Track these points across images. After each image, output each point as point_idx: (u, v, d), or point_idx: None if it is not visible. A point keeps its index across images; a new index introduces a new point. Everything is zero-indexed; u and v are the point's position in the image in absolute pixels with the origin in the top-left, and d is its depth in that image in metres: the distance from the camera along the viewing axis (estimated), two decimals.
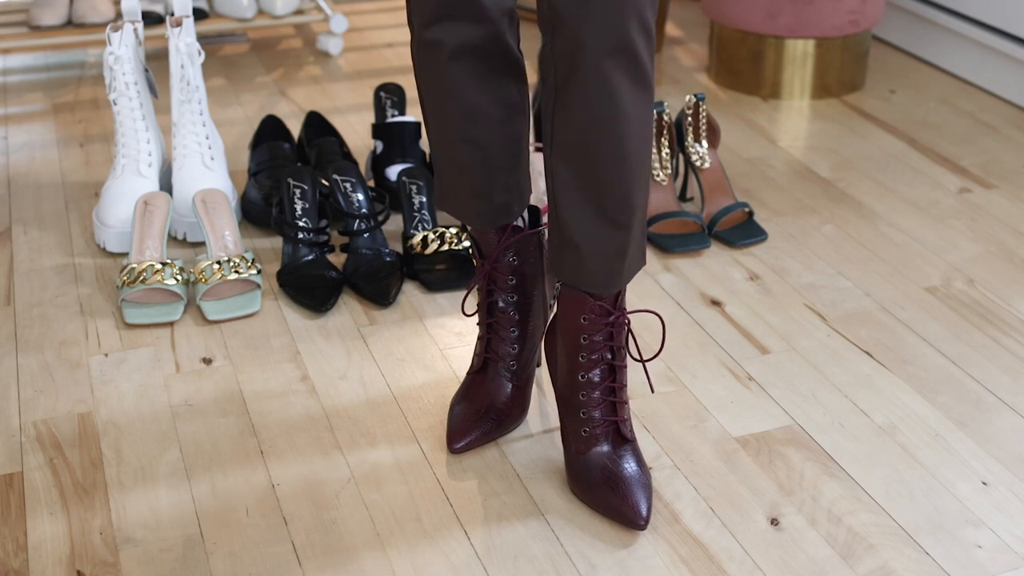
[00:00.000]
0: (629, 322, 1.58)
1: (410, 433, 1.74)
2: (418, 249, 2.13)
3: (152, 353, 1.93)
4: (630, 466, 1.57)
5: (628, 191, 1.50)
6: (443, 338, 1.97)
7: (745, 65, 2.95)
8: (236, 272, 2.03)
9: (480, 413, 1.70)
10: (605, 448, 1.58)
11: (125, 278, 2.02)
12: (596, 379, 1.57)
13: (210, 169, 2.27)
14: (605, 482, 1.56)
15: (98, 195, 2.44)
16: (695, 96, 2.31)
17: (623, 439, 1.59)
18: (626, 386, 1.59)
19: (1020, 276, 2.14)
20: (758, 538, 1.54)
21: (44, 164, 2.61)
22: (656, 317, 2.01)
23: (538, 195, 2.19)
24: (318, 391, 1.84)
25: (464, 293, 2.05)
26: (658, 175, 2.28)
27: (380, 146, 2.41)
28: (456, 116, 1.60)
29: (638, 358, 1.59)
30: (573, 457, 1.60)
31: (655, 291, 2.10)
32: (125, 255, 2.21)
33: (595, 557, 1.51)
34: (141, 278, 2.01)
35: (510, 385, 1.71)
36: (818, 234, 2.29)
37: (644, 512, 1.53)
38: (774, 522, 1.56)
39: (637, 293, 2.07)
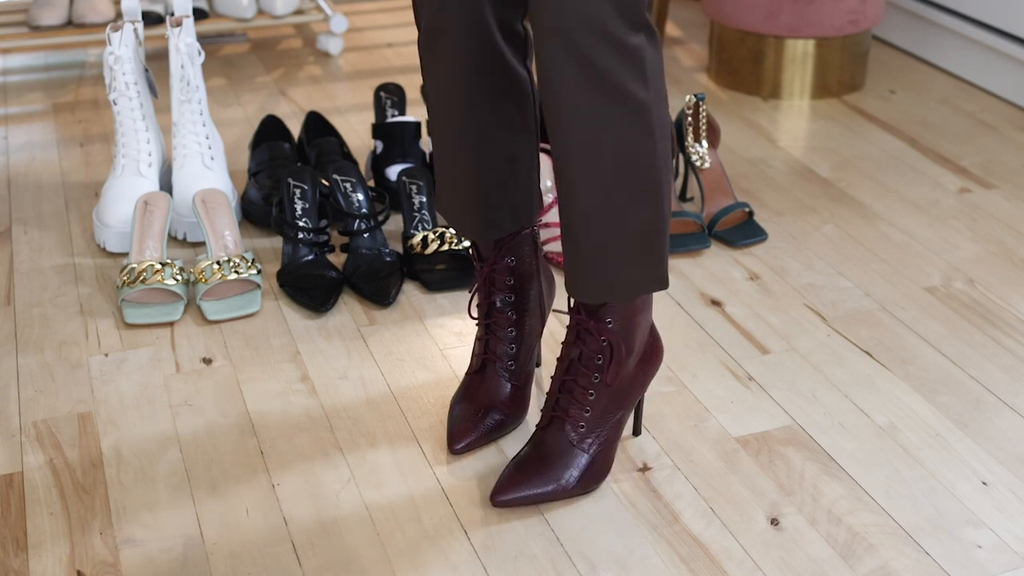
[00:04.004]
0: (605, 337, 1.56)
1: (410, 433, 1.74)
2: (418, 249, 2.13)
3: (152, 353, 1.93)
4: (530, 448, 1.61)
5: (594, 211, 1.48)
6: (443, 338, 1.97)
7: (745, 65, 2.95)
8: (236, 272, 2.03)
9: (480, 413, 1.70)
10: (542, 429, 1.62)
11: (125, 278, 2.02)
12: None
13: (210, 169, 2.27)
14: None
15: (98, 195, 2.44)
16: (695, 96, 2.31)
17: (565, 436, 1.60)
18: (588, 392, 1.59)
19: (1020, 276, 2.14)
20: (758, 538, 1.54)
21: (44, 164, 2.62)
22: (658, 316, 2.01)
23: (544, 192, 2.19)
24: (318, 391, 1.84)
25: (468, 296, 2.06)
26: None
27: (380, 146, 2.41)
28: (451, 126, 1.60)
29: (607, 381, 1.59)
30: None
31: None
32: (125, 255, 2.21)
33: (595, 557, 1.51)
34: (141, 278, 2.01)
35: (509, 385, 1.72)
36: (818, 234, 2.29)
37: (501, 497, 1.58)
38: (774, 522, 1.56)
39: None
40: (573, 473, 1.58)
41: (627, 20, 1.38)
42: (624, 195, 1.47)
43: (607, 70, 1.39)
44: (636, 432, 1.72)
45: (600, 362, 1.57)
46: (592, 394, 1.58)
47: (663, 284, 1.55)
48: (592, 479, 1.60)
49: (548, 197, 2.20)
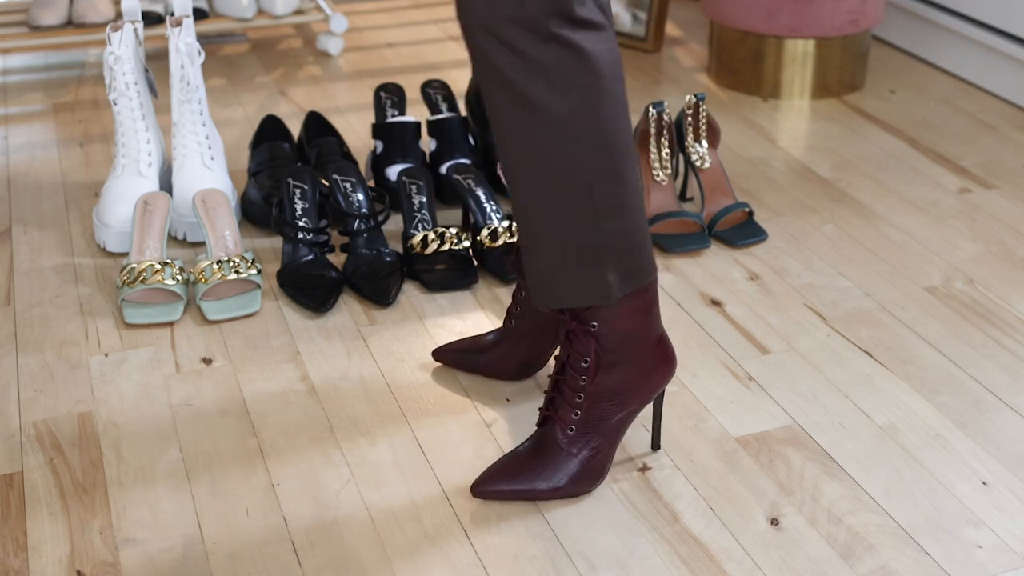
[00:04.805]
0: (589, 340, 1.55)
1: (410, 433, 1.74)
2: (418, 249, 2.13)
3: (152, 353, 1.93)
4: (522, 447, 1.61)
5: (522, 215, 1.49)
6: (443, 338, 1.97)
7: (745, 65, 2.95)
8: (236, 272, 2.03)
9: (471, 347, 1.85)
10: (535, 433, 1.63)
11: (125, 278, 2.02)
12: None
13: (210, 169, 2.27)
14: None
15: (98, 195, 2.44)
16: (695, 96, 2.31)
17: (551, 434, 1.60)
18: (576, 393, 1.58)
19: (1020, 276, 2.14)
20: (758, 538, 1.54)
21: (44, 164, 2.61)
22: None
23: None
24: (318, 391, 1.84)
25: (470, 295, 2.06)
26: (658, 175, 2.28)
27: (380, 146, 2.41)
28: None
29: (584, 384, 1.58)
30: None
31: None
32: (125, 255, 2.21)
33: (595, 557, 1.50)
34: (141, 278, 2.01)
35: (500, 338, 1.82)
36: (818, 234, 2.29)
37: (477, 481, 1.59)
38: (774, 522, 1.56)
39: None
40: (559, 475, 1.57)
41: (529, 32, 1.37)
42: (551, 207, 1.47)
43: (515, 81, 1.40)
44: (655, 447, 1.69)
45: (585, 365, 1.55)
46: (580, 397, 1.57)
47: (606, 299, 1.51)
48: (580, 484, 1.58)
49: None
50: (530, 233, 1.51)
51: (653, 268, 1.55)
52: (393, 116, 2.51)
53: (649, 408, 1.79)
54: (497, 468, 1.60)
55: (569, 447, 1.58)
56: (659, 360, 1.60)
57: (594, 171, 1.45)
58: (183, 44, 2.22)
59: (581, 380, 1.56)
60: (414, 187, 2.21)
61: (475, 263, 2.14)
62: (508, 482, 1.58)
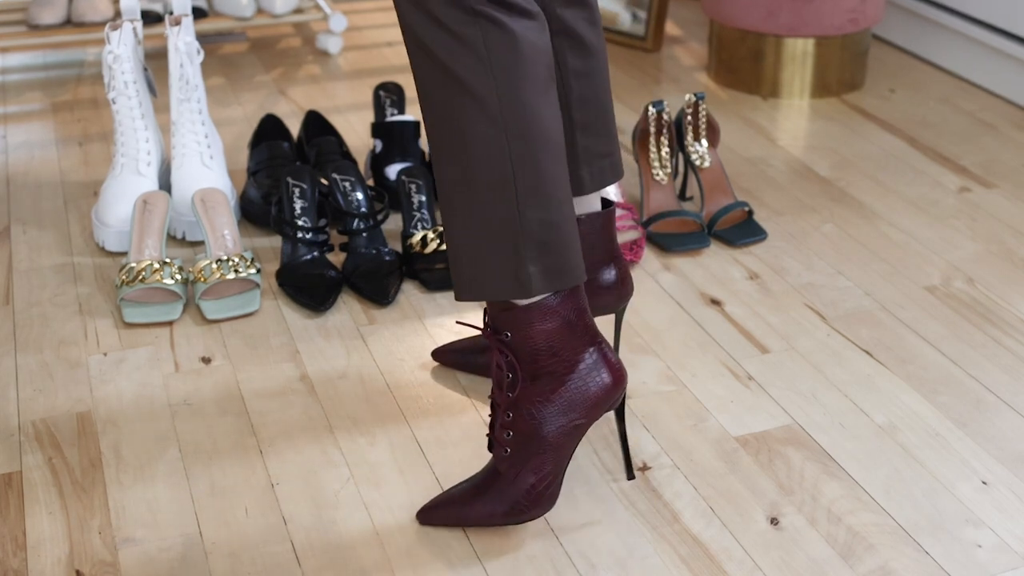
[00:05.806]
0: (504, 351, 1.48)
1: (409, 433, 1.74)
2: (417, 248, 2.13)
3: (151, 352, 1.93)
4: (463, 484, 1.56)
5: (445, 199, 1.46)
6: (443, 337, 1.97)
7: (745, 64, 2.95)
8: (235, 271, 2.03)
9: (470, 347, 1.84)
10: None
11: (124, 277, 2.02)
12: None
13: (209, 168, 2.27)
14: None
15: (97, 194, 2.44)
16: (695, 95, 2.31)
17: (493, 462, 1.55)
18: (502, 409, 1.51)
19: (1020, 276, 2.14)
20: (758, 538, 1.53)
21: (43, 163, 2.61)
22: (658, 316, 2.01)
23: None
24: (317, 390, 1.84)
25: None
26: (658, 174, 2.28)
27: (379, 145, 2.40)
28: None
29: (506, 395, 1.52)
30: None
31: (655, 290, 2.09)
32: (124, 254, 2.21)
33: (595, 557, 1.50)
34: (140, 277, 2.01)
35: None
36: (818, 234, 2.29)
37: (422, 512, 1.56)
38: (774, 522, 1.56)
39: (638, 291, 2.07)
40: (497, 500, 1.51)
41: (455, 8, 1.36)
42: (474, 190, 1.43)
43: (443, 58, 1.38)
44: (629, 476, 1.63)
45: (510, 379, 1.48)
46: (509, 415, 1.49)
47: (525, 292, 1.44)
48: (522, 510, 1.50)
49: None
50: (453, 218, 1.46)
51: (581, 271, 1.47)
52: (392, 115, 2.51)
53: (646, 410, 1.79)
54: (445, 494, 1.56)
55: (508, 470, 1.50)
56: (599, 373, 1.50)
57: (516, 156, 1.41)
58: (182, 43, 2.22)
59: (508, 396, 1.49)
60: (413, 186, 2.21)
61: None
62: (447, 506, 1.54)
